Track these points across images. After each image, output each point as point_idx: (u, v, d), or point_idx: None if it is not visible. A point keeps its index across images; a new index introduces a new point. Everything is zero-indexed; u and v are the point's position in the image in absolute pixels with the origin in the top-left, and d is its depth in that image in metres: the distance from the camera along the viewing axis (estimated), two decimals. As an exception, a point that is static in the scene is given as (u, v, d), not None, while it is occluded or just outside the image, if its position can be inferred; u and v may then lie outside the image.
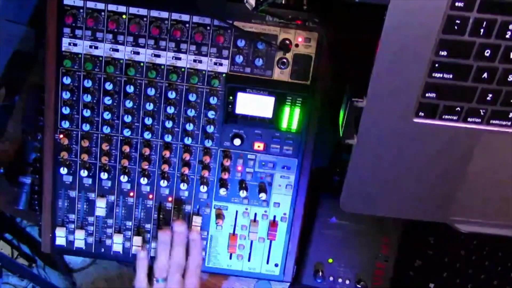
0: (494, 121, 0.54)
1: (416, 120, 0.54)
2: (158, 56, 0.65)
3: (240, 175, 0.70)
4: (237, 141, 0.68)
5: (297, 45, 0.64)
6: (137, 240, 0.72)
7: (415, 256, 0.76)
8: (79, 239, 0.72)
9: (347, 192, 0.59)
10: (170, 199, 0.71)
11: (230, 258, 0.74)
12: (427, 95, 0.53)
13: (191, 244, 0.71)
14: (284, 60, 0.64)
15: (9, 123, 0.75)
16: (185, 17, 0.63)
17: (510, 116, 0.54)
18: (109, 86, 0.65)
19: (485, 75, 0.51)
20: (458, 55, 0.50)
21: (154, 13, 0.63)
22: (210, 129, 0.67)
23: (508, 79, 0.51)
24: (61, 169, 0.68)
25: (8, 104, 0.74)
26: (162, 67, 0.65)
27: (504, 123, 0.54)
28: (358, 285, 0.75)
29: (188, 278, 0.71)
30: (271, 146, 0.69)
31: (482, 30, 0.49)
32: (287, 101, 0.66)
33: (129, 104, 0.66)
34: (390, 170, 0.57)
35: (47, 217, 0.72)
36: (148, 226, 0.72)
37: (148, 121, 0.67)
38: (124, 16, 0.63)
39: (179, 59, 0.65)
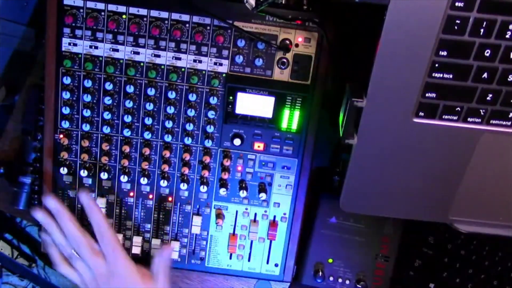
0: (494, 121, 0.54)
1: (416, 120, 0.54)
2: (158, 56, 0.65)
3: (240, 175, 0.70)
4: (237, 141, 0.68)
5: (297, 45, 0.64)
6: (137, 240, 0.72)
7: (415, 256, 0.76)
8: (79, 239, 0.72)
9: (347, 192, 0.59)
10: (170, 199, 0.71)
11: (230, 258, 0.74)
12: (427, 95, 0.53)
13: (86, 210, 0.66)
14: (284, 60, 0.64)
15: (9, 123, 0.75)
16: (185, 17, 0.63)
17: (510, 116, 0.54)
18: (109, 86, 0.65)
19: (485, 75, 0.51)
20: (458, 55, 0.50)
21: (154, 13, 0.63)
22: (210, 129, 0.67)
23: (508, 79, 0.51)
24: (61, 169, 0.68)
25: (8, 104, 0.74)
26: (162, 67, 0.65)
27: (504, 123, 0.54)
28: (358, 285, 0.75)
29: (102, 240, 0.66)
30: (271, 146, 0.68)
31: (482, 30, 0.49)
32: (287, 101, 0.66)
33: (129, 104, 0.66)
34: (390, 170, 0.57)
35: (47, 217, 0.72)
36: (148, 226, 0.72)
37: (148, 121, 0.67)
38: (124, 16, 0.63)
39: (179, 59, 0.65)
